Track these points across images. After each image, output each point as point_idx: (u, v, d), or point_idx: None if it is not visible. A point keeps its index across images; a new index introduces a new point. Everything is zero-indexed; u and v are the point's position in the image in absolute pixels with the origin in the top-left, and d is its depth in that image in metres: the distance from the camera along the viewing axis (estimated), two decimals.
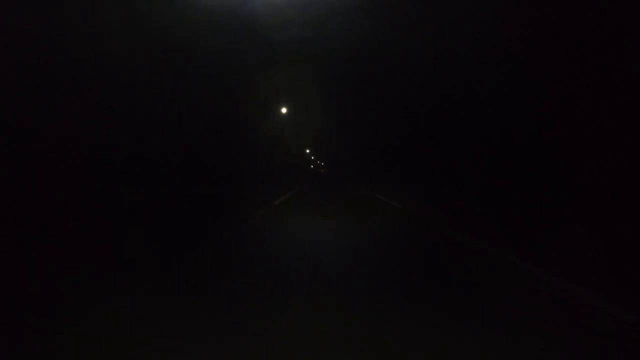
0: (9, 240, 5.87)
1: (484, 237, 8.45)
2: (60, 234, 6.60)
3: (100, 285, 4.93)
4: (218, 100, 15.76)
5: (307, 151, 77.59)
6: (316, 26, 18.46)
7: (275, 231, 10.60)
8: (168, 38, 11.40)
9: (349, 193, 28.89)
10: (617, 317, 4.02)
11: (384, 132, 33.84)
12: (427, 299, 4.74)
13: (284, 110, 29.09)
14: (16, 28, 6.94)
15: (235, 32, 15.77)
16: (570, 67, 10.52)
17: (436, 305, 4.49)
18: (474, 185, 16.48)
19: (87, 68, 8.64)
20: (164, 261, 6.46)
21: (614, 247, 6.47)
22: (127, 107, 9.76)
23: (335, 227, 11.15)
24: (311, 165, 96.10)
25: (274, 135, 27.85)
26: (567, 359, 3.23)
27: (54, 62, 7.74)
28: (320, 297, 4.75)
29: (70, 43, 8.14)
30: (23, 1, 7.29)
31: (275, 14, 16.07)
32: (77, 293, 4.58)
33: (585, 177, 9.43)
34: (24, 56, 7.05)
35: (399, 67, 23.75)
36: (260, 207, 15.40)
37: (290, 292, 4.98)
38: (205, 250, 7.69)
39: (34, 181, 7.02)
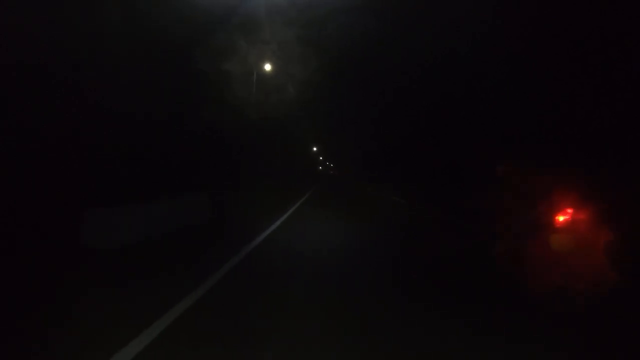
0: (9, 240, 5.88)
1: (484, 234, 8.41)
2: (61, 234, 6.60)
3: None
4: (217, 99, 15.73)
5: (315, 149, 71.74)
6: (318, 26, 18.50)
7: None
8: (168, 38, 11.39)
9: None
10: (618, 314, 4.02)
11: (385, 131, 33.83)
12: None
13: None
14: (16, 28, 6.95)
15: (236, 32, 15.81)
16: (570, 66, 10.52)
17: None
18: (475, 184, 16.47)
19: (87, 68, 8.64)
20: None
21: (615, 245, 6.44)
22: (127, 107, 9.75)
23: None
24: (319, 167, 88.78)
25: (265, 130, 24.72)
26: (567, 358, 3.23)
27: (54, 62, 7.75)
28: None
29: (70, 43, 8.14)
30: (23, 1, 7.30)
31: (278, 15, 16.10)
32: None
33: (585, 176, 9.42)
34: (24, 56, 7.05)
35: (400, 66, 23.79)
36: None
37: None
38: None
39: (34, 181, 7.02)
